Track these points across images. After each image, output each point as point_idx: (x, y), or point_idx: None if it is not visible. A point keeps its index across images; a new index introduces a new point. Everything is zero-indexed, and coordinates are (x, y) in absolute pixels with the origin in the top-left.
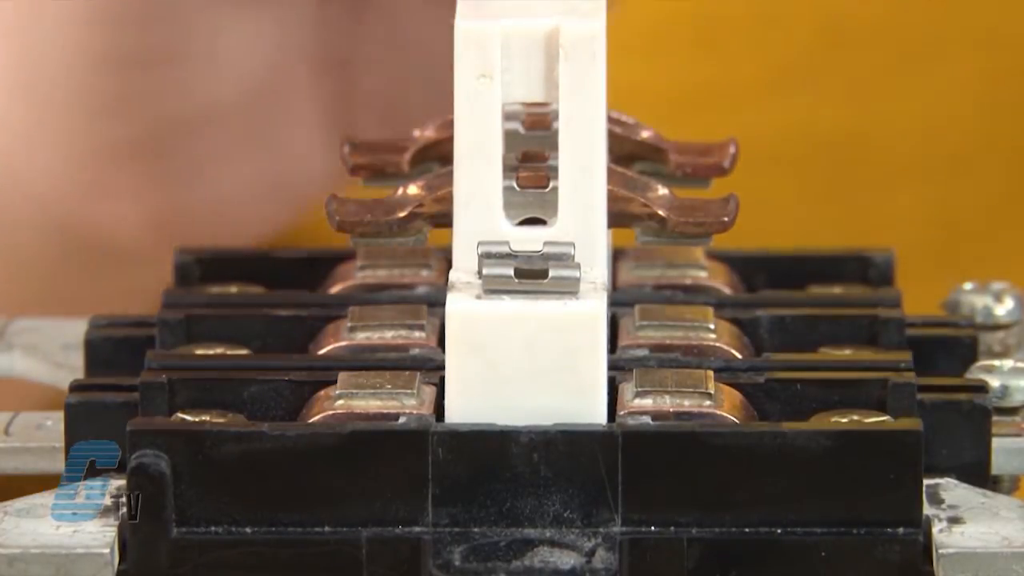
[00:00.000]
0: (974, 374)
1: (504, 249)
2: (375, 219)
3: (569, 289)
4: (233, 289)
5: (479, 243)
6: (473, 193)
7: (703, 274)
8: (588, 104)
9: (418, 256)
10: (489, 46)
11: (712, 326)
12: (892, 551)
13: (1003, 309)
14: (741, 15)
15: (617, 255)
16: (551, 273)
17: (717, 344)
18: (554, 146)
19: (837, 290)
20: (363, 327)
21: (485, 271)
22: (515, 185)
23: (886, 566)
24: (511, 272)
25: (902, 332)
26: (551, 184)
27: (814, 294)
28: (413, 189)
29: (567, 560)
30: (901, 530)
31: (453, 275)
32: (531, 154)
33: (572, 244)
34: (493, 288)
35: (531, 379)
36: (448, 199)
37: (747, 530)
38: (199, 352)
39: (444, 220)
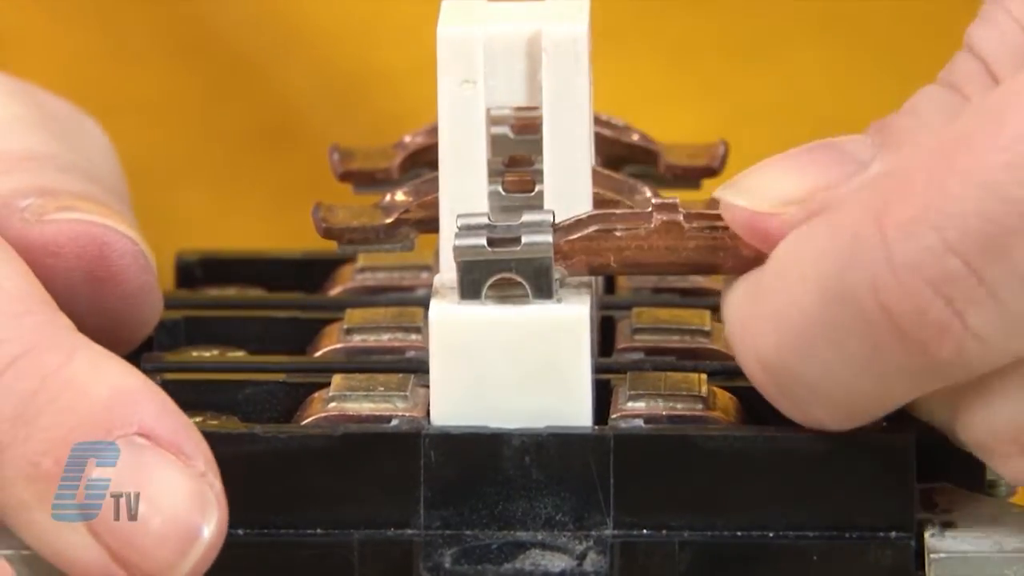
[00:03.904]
0: None
1: (482, 220)
2: (361, 226)
3: (542, 254)
4: (232, 291)
5: (458, 216)
6: (458, 199)
7: (702, 278)
8: (572, 107)
9: (417, 259)
10: (472, 51)
11: (708, 329)
12: (884, 555)
13: None
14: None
15: None
16: (524, 240)
17: (713, 347)
18: (540, 150)
19: None
20: (359, 329)
21: (456, 242)
22: (501, 190)
23: (878, 570)
24: (483, 242)
25: None
26: (537, 188)
27: None
28: (400, 195)
29: (558, 563)
30: (893, 534)
31: (437, 280)
32: (517, 158)
33: (552, 213)
34: (465, 258)
35: (515, 383)
36: (434, 205)
37: (739, 534)
38: (195, 354)
39: (431, 226)
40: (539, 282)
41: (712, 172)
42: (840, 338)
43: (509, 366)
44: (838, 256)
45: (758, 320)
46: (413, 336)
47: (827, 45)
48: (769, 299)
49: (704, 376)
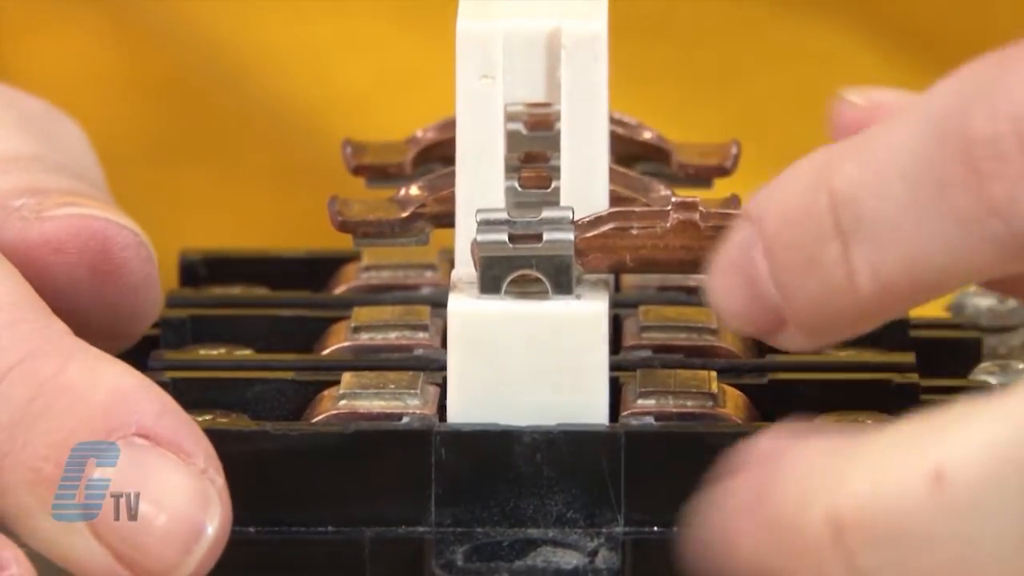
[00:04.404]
0: (978, 376)
1: (502, 216)
2: (377, 219)
3: (563, 251)
4: (237, 290)
5: (477, 211)
6: (475, 194)
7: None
8: (590, 105)
9: (422, 257)
10: (491, 46)
11: (715, 327)
12: None
13: (1008, 311)
14: None
15: None
16: (545, 236)
17: (720, 345)
18: (556, 146)
19: None
20: (366, 327)
21: (478, 238)
22: (517, 185)
23: None
24: (505, 238)
25: (906, 334)
26: (553, 184)
27: None
28: (415, 190)
29: (570, 560)
30: None
31: (455, 275)
32: (534, 154)
33: (571, 209)
34: (487, 254)
35: (532, 379)
36: (450, 199)
37: None
38: (203, 352)
39: (446, 221)
40: (559, 278)
41: (724, 171)
42: (917, 171)
43: (528, 361)
44: (946, 92)
45: (841, 152)
46: (420, 334)
47: (786, 73)
48: (860, 136)
49: (713, 374)
